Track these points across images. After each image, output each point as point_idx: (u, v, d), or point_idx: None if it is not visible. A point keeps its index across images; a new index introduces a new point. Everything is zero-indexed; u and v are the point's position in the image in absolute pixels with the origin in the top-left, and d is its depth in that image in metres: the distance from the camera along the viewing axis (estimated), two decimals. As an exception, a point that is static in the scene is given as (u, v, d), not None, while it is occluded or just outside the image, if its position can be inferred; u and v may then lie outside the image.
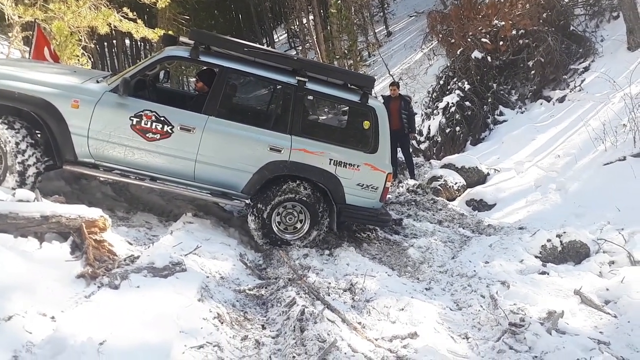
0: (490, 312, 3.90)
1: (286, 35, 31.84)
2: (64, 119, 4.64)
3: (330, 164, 5.10)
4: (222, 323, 3.32)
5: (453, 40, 11.97)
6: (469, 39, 11.28)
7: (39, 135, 4.70)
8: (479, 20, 11.35)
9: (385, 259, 5.33)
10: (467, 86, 10.94)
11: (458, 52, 11.68)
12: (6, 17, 11.69)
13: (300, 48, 24.71)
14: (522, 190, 7.70)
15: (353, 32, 18.96)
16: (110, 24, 11.96)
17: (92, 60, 13.35)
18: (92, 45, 13.25)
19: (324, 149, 5.11)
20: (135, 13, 12.79)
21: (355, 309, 3.89)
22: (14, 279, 3.01)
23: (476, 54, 11.03)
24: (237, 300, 3.89)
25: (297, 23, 25.18)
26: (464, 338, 3.62)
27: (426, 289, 4.48)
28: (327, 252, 5.23)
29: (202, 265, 4.14)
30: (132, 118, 4.75)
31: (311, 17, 22.10)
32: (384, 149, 5.29)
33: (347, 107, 5.47)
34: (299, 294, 3.85)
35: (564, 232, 5.28)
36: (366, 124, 5.27)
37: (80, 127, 4.69)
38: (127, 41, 31.81)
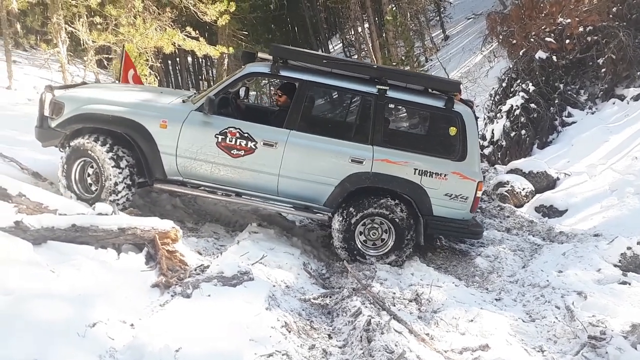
0: (567, 324, 3.70)
1: (341, 44, 32.03)
2: (153, 139, 4.85)
3: (415, 174, 4.94)
4: (289, 332, 3.37)
5: (515, 41, 11.55)
6: (532, 39, 10.84)
7: (131, 156, 4.94)
8: (542, 19, 10.89)
9: (451, 268, 5.21)
10: (531, 88, 10.50)
11: (520, 53, 11.25)
12: (81, 42, 12.59)
13: (356, 57, 24.76)
14: (595, 195, 7.27)
15: (409, 37, 18.74)
16: (175, 43, 12.58)
17: (158, 78, 14.05)
18: (158, 64, 13.94)
19: (407, 158, 4.97)
20: (197, 32, 13.37)
21: (422, 319, 3.83)
22: (96, 288, 3.20)
23: (540, 54, 10.59)
24: (303, 310, 3.93)
25: (353, 32, 25.26)
26: (538, 351, 3.46)
27: (496, 299, 4.33)
28: (390, 261, 5.17)
29: (268, 274, 4.22)
30: (217, 135, 4.86)
31: (366, 25, 22.11)
32: (474, 156, 5.06)
33: (432, 114, 5.29)
34: (364, 304, 3.83)
35: (646, 239, 4.94)
36: (452, 130, 5.04)
37: (168, 146, 4.87)
38: (190, 58, 33.18)
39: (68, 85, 5.69)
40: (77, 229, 3.63)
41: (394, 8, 19.08)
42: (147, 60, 12.75)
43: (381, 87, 4.97)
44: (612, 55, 9.68)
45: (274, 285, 4.04)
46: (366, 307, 3.77)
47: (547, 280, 4.44)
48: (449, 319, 3.75)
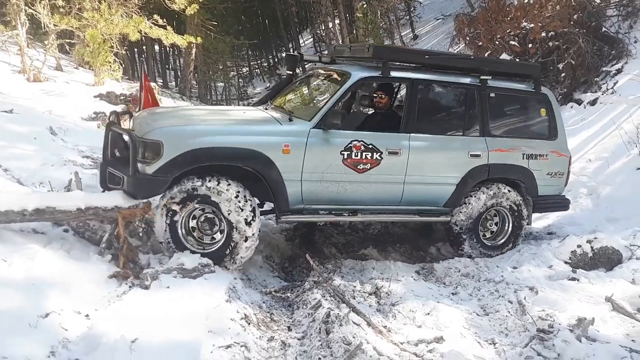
0: (518, 318, 3.84)
1: (312, 39, 32.01)
2: (276, 167, 4.27)
3: (523, 158, 5.17)
4: (249, 324, 3.38)
5: (481, 43, 11.83)
6: (497, 42, 11.14)
7: (253, 194, 4.32)
8: (507, 23, 11.20)
9: (410, 262, 5.30)
10: (495, 89, 10.81)
11: (486, 55, 11.55)
12: (42, 25, 12.14)
13: (326, 52, 24.81)
14: (551, 194, 7.54)
15: (379, 35, 18.91)
16: (141, 31, 12.30)
17: (123, 66, 13.72)
18: (123, 52, 13.61)
19: (516, 144, 5.17)
20: (164, 20, 13.11)
21: (381, 312, 3.90)
22: (51, 278, 3.14)
23: (505, 56, 10.89)
24: (264, 302, 3.95)
25: (323, 27, 25.29)
26: (490, 344, 3.58)
27: (452, 293, 4.44)
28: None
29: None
30: (342, 152, 4.48)
31: (337, 21, 22.18)
32: (562, 133, 5.42)
33: (525, 98, 5.41)
34: (324, 296, 3.87)
35: (595, 238, 5.14)
36: (543, 112, 5.34)
37: (293, 172, 4.36)
38: (157, 47, 32.45)
39: (123, 112, 4.67)
40: (33, 211, 3.51)
41: (365, 5, 19.19)
42: (111, 47, 12.42)
43: (483, 77, 5.04)
44: (571, 61, 10.03)
45: (235, 278, 4.04)
46: (326, 299, 3.81)
47: (502, 276, 4.59)
48: (406, 312, 3.83)
